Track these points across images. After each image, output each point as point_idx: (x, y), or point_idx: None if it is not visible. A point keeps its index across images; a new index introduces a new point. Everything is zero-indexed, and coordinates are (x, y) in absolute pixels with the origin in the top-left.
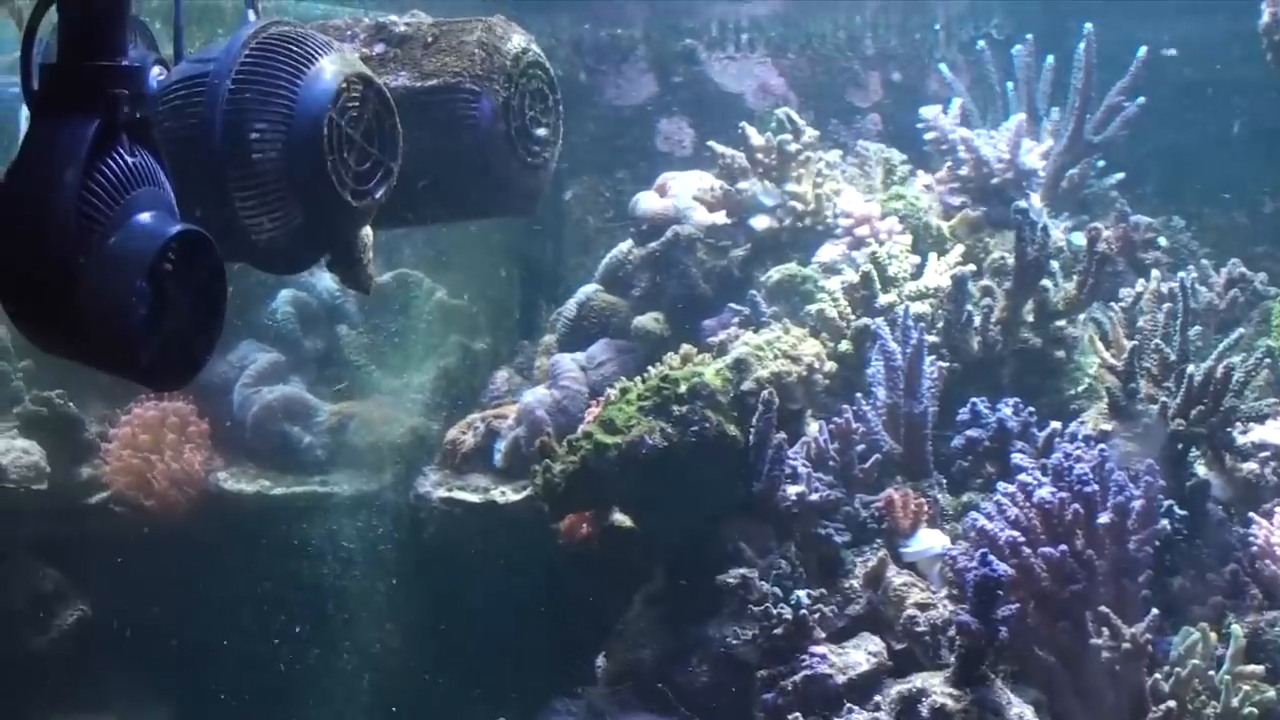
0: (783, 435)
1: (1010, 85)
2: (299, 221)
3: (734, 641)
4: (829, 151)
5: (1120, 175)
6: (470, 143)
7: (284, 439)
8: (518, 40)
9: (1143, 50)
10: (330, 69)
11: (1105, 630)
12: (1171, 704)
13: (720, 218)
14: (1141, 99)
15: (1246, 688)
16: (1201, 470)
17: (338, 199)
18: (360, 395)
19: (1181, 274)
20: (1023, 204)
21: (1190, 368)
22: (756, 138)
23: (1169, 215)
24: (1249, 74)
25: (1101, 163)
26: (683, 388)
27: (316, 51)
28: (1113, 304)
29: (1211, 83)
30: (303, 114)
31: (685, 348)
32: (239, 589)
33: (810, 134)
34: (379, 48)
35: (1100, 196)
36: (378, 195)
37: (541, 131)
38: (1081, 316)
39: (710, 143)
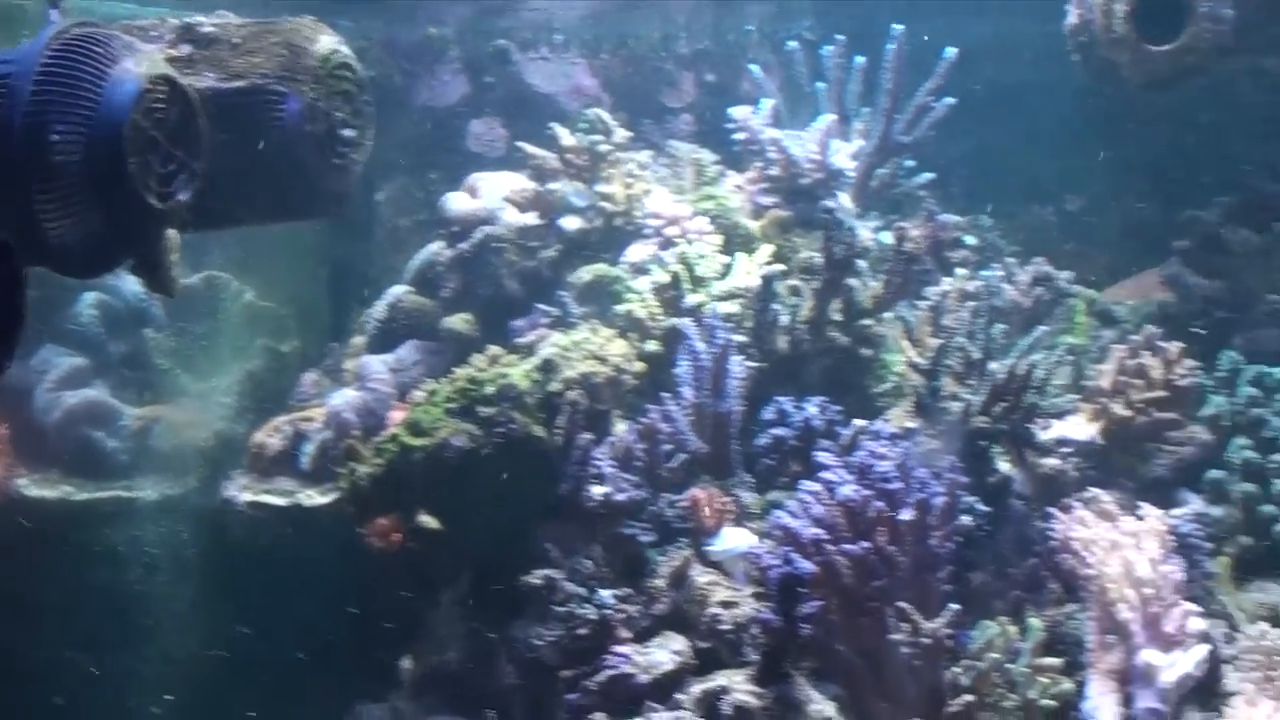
0: (590, 436)
1: (821, 86)
2: (101, 224)
3: (538, 643)
4: (640, 152)
5: (930, 175)
6: (277, 144)
7: (87, 444)
8: (326, 41)
9: (951, 51)
10: (134, 70)
11: (905, 625)
12: (969, 697)
13: (531, 218)
14: (950, 99)
15: (1045, 680)
16: (1004, 466)
17: (141, 201)
18: (166, 399)
19: (984, 272)
20: (830, 203)
21: (993, 365)
22: (567, 138)
23: (977, 214)
24: (1056, 74)
25: (911, 162)
26: (489, 389)
27: (121, 53)
28: (919, 302)
29: (1020, 83)
30: (105, 115)
31: (492, 349)
32: (41, 596)
33: (621, 134)
34: (185, 49)
35: (910, 196)
36: (182, 197)
37: (349, 133)
38: (889, 315)
39: (521, 143)
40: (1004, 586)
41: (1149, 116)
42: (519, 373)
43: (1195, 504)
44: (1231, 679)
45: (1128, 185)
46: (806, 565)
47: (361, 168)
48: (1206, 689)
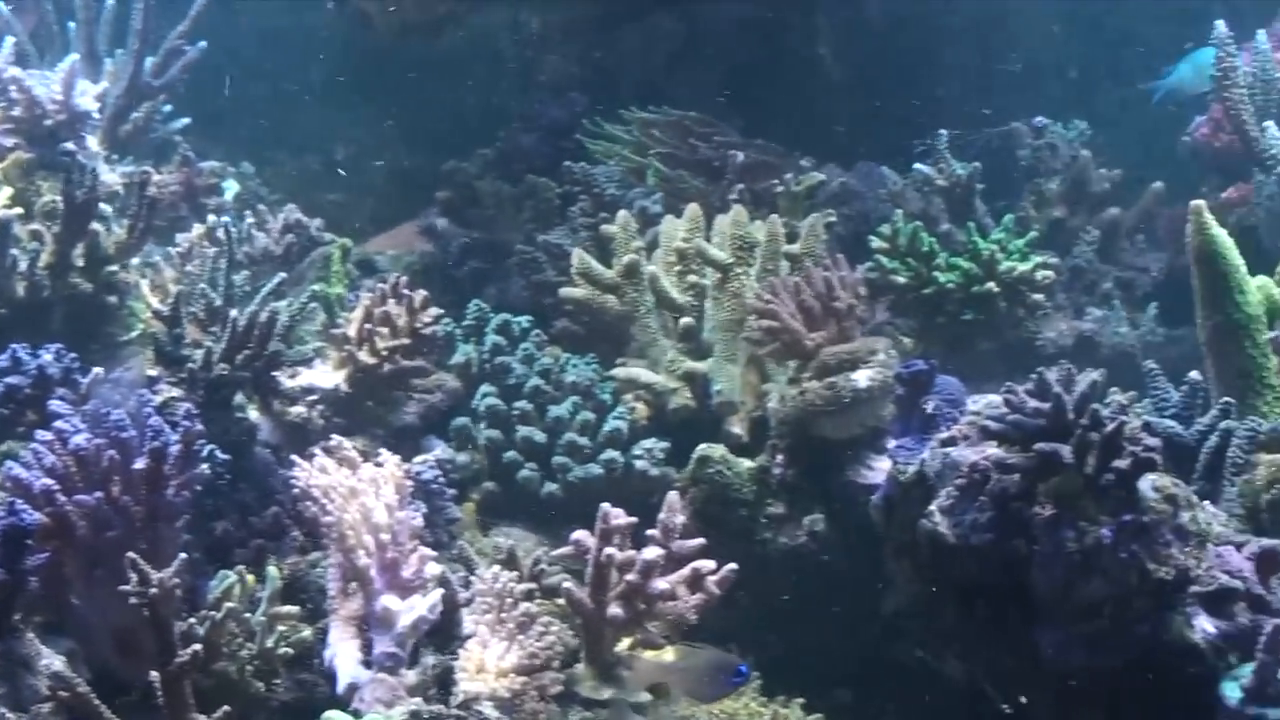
0: None
1: (73, 26)
2: None
3: None
4: None
5: (186, 120)
6: None
7: None
8: None
9: None
10: None
11: (134, 576)
12: (198, 647)
13: None
14: (203, 43)
15: (283, 628)
16: (252, 414)
17: None
18: None
19: (225, 218)
20: (70, 146)
21: (234, 312)
22: None
23: (241, 161)
24: (327, 22)
25: (169, 107)
26: None
27: None
28: (171, 249)
29: (291, 31)
30: None
31: None
32: None
33: None
34: None
35: (168, 141)
36: None
37: None
38: (136, 261)
39: None
40: (246, 535)
41: (416, 67)
42: None
43: (440, 450)
44: (468, 621)
45: (395, 135)
46: (35, 516)
47: None
48: (445, 631)
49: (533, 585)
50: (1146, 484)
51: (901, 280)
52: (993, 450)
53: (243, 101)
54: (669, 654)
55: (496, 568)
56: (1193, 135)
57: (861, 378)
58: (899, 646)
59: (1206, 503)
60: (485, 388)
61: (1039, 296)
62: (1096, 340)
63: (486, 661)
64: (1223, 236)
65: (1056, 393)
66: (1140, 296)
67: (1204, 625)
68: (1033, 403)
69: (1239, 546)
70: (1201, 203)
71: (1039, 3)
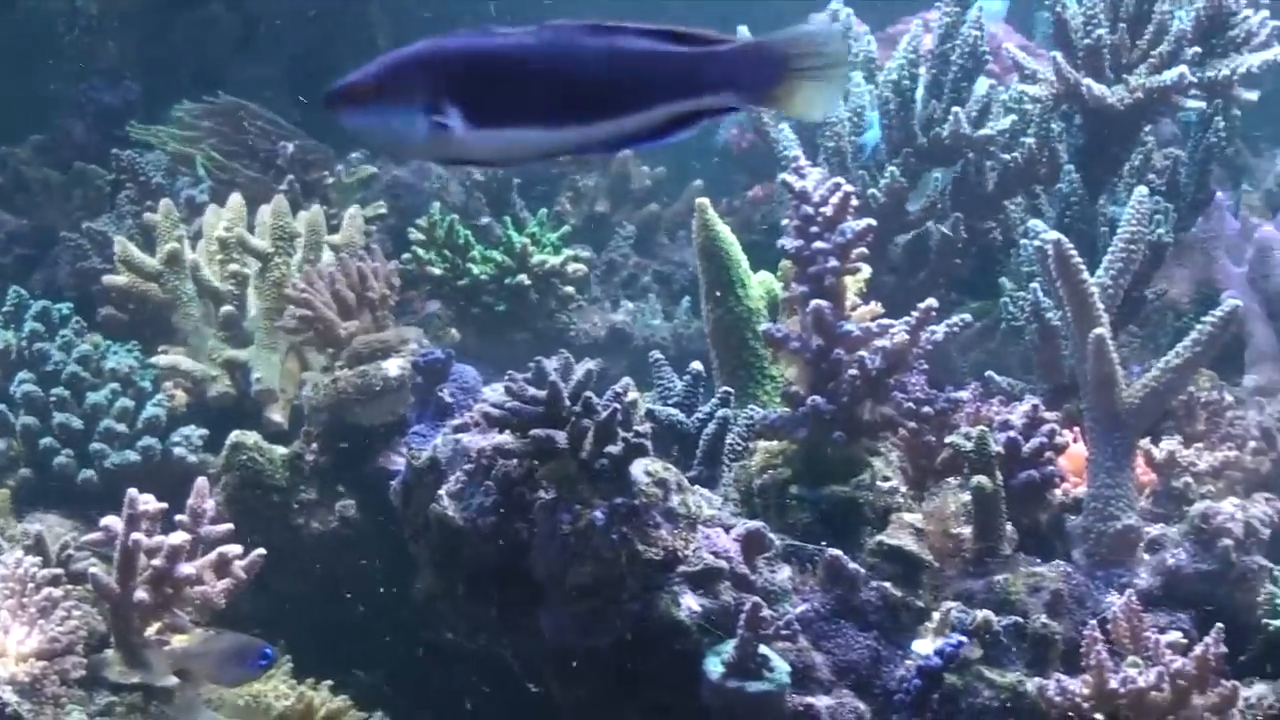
0: None
1: None
2: None
3: None
4: None
5: None
6: None
7: None
8: None
9: None
10: None
11: None
12: None
13: None
14: None
15: None
16: None
17: None
18: None
19: None
20: None
21: None
22: None
23: None
24: None
25: None
26: None
27: None
28: None
29: None
30: None
31: None
32: None
33: None
34: None
35: None
36: None
37: None
38: None
39: None
40: None
41: None
42: None
43: None
44: None
45: None
46: None
47: None
48: None
49: (59, 571)
50: (639, 469)
51: (437, 271)
52: (499, 437)
53: None
54: (192, 638)
55: (20, 553)
56: (725, 136)
57: (392, 366)
58: (431, 628)
59: (699, 487)
60: (23, 374)
61: (570, 289)
62: (629, 332)
63: (7, 646)
64: (725, 233)
65: (553, 380)
66: (677, 290)
67: (690, 604)
68: (531, 390)
69: (728, 529)
70: (705, 201)
71: None
